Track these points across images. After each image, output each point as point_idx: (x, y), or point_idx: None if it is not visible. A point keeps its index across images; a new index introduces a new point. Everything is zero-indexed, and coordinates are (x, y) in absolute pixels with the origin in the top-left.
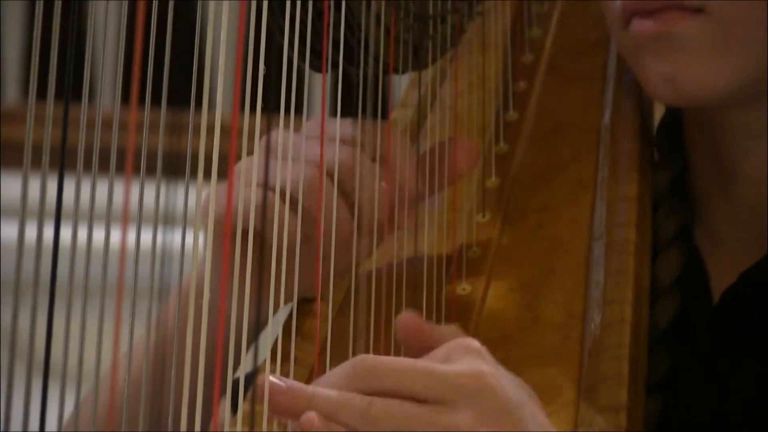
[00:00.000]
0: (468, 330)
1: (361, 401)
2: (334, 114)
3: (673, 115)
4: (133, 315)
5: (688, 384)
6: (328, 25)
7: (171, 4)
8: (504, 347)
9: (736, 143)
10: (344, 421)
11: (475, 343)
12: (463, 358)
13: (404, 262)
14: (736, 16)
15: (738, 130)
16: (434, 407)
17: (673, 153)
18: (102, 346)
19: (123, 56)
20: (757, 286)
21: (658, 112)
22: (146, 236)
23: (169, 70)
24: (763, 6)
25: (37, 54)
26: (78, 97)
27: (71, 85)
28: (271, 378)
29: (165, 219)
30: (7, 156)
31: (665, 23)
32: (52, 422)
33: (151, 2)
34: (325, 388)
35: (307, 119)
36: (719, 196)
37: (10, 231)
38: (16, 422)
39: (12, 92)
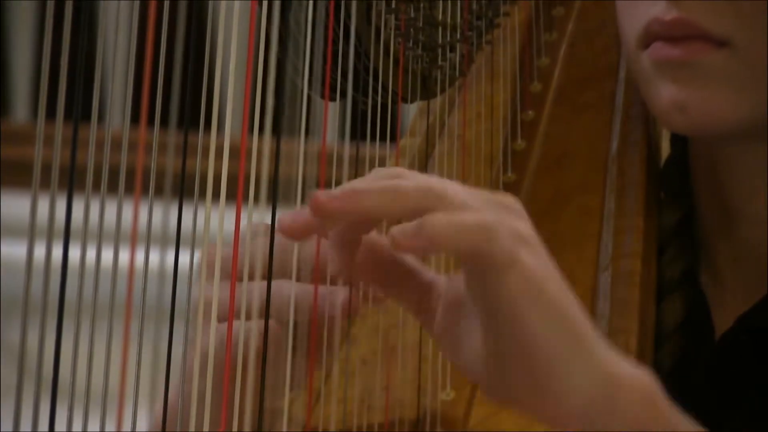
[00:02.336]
0: None
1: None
2: (343, 137)
3: (680, 154)
4: (141, 334)
5: None
6: (334, 53)
7: (181, 27)
8: None
9: (741, 183)
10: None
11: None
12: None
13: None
14: (762, 52)
15: (744, 168)
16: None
17: (680, 194)
18: (110, 365)
19: (132, 77)
20: (754, 331)
21: (664, 144)
22: (154, 256)
23: (180, 93)
24: None
25: (47, 75)
26: (87, 117)
27: (80, 105)
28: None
29: (169, 239)
30: (16, 175)
31: (690, 53)
32: None
33: (160, 26)
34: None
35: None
36: (724, 237)
37: (19, 250)
38: None
39: (22, 112)
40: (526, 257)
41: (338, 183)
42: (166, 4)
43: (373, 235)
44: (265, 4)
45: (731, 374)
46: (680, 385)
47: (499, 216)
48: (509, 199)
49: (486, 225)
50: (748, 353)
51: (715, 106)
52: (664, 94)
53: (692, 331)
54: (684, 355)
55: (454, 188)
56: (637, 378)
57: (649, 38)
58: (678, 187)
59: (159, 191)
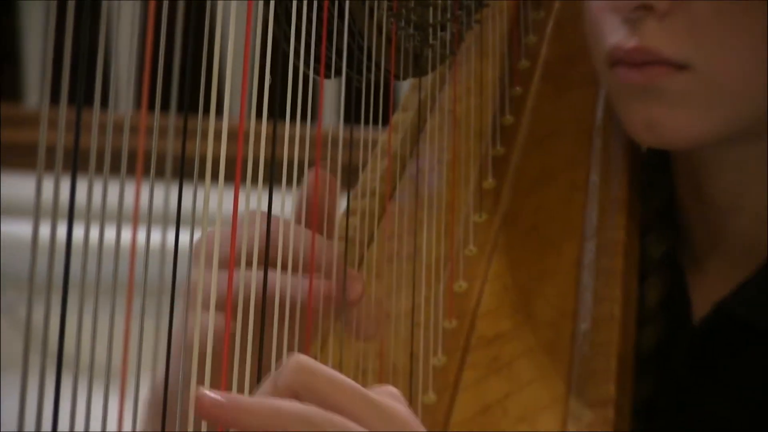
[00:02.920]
0: (464, 326)
1: (299, 411)
2: (339, 117)
3: None
4: (142, 311)
5: (667, 409)
6: (330, 32)
7: (180, 12)
8: (498, 343)
9: (720, 178)
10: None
11: (396, 390)
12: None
13: (404, 260)
14: (723, 72)
15: (723, 166)
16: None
17: (661, 181)
18: (113, 341)
19: (136, 64)
20: (731, 316)
21: None
22: (155, 236)
23: (180, 77)
24: (756, 56)
25: (50, 61)
26: (91, 101)
27: (84, 91)
28: (207, 392)
29: (169, 219)
30: (29, 157)
31: (651, 78)
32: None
33: (161, 13)
34: (263, 398)
35: (313, 123)
36: (703, 225)
37: (25, 229)
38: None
39: (33, 98)
40: None
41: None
42: None
43: None
44: None
45: (709, 358)
46: (663, 365)
47: None
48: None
49: None
50: (725, 338)
51: (682, 124)
52: (633, 113)
53: (672, 313)
54: (665, 336)
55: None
56: None
57: (613, 60)
58: (660, 174)
59: (160, 173)
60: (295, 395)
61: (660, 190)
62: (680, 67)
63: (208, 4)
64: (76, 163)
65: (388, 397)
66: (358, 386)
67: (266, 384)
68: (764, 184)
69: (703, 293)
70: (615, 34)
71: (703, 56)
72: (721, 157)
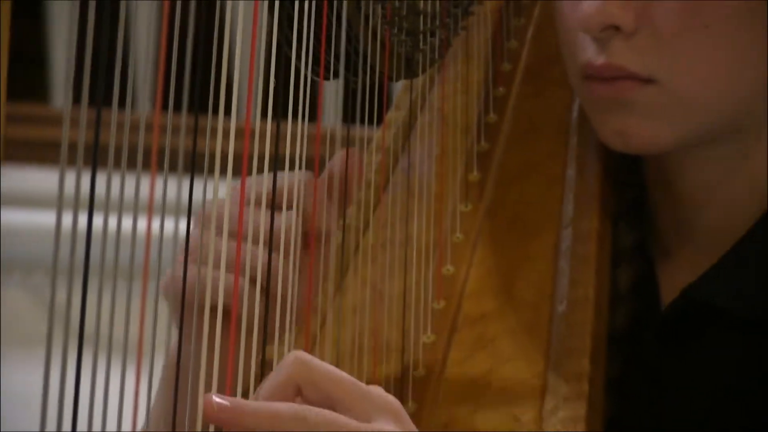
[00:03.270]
0: (451, 306)
1: (296, 412)
2: (337, 115)
3: None
4: (157, 293)
5: (637, 386)
6: (328, 37)
7: (191, 21)
8: (483, 322)
9: (687, 177)
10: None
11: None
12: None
13: (396, 246)
14: (686, 84)
15: (689, 163)
16: (360, 422)
17: (632, 176)
18: (130, 320)
19: (151, 68)
20: (696, 302)
21: None
22: (168, 224)
23: (191, 80)
24: (718, 68)
25: (73, 65)
26: (110, 102)
27: (104, 92)
28: (214, 397)
29: (181, 209)
30: (49, 154)
31: (620, 91)
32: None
33: (173, 22)
34: (263, 402)
35: (313, 121)
36: (671, 217)
37: (50, 219)
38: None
39: (60, 98)
40: None
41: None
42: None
43: None
44: None
45: (676, 339)
46: (632, 346)
47: None
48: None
49: None
50: (691, 321)
51: (649, 133)
52: (604, 123)
53: (642, 297)
54: (635, 319)
55: (330, 427)
56: None
57: (585, 74)
58: (631, 167)
59: (173, 168)
60: (297, 388)
61: (631, 183)
62: (646, 81)
63: (217, 13)
64: (96, 159)
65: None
66: (352, 379)
67: (270, 378)
68: (730, 180)
69: (671, 280)
70: (586, 52)
71: (667, 71)
72: (690, 157)
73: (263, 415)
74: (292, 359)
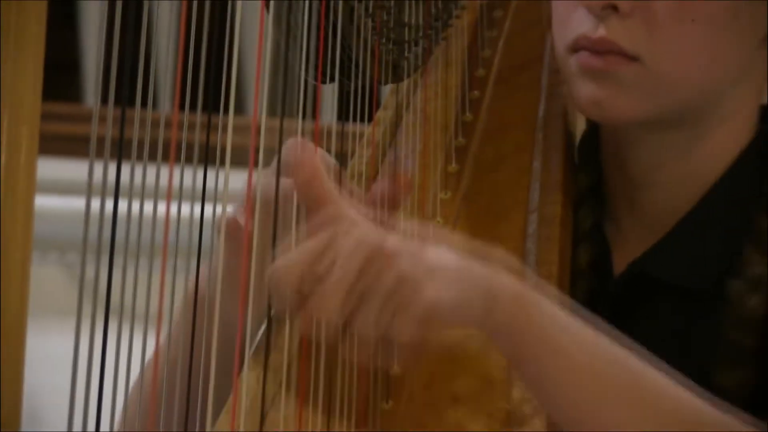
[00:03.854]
0: None
1: None
2: (333, 114)
3: (592, 131)
4: (174, 270)
5: None
6: (325, 46)
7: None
8: None
9: (641, 159)
10: None
11: None
12: None
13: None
14: (667, 66)
15: (645, 148)
16: None
17: (591, 163)
18: (150, 293)
19: (170, 73)
20: (642, 274)
21: (580, 122)
22: (185, 209)
23: (204, 83)
24: (702, 62)
25: (102, 70)
26: (134, 102)
27: (129, 93)
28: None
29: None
30: (82, 147)
31: (608, 64)
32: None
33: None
34: None
35: (312, 119)
36: (625, 198)
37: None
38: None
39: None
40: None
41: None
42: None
43: None
44: (272, 8)
45: (626, 305)
46: (592, 312)
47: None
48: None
49: None
50: (637, 289)
51: (623, 105)
52: (585, 91)
53: (599, 271)
54: (593, 290)
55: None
56: (510, 285)
57: (577, 47)
58: (590, 157)
59: (189, 159)
60: None
61: (590, 172)
62: (632, 59)
63: (228, 25)
64: (121, 151)
65: None
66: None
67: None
68: (677, 163)
69: (623, 255)
70: (582, 26)
71: (652, 53)
72: (643, 140)
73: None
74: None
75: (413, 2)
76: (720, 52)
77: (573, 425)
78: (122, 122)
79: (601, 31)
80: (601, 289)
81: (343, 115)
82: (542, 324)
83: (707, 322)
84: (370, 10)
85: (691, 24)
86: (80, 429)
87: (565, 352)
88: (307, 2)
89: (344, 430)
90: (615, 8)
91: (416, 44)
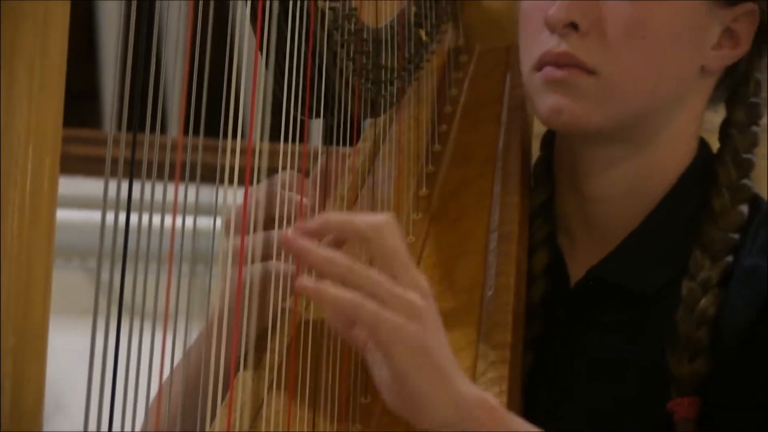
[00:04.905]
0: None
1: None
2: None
3: (546, 155)
4: (179, 274)
5: (551, 346)
6: (312, 86)
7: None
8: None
9: (590, 172)
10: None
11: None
12: None
13: None
14: (621, 79)
15: (593, 162)
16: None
17: (545, 183)
18: (158, 295)
19: (177, 102)
20: (598, 280)
21: (535, 146)
22: (189, 220)
23: (206, 112)
24: (651, 76)
25: (117, 100)
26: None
27: (138, 120)
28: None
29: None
30: (100, 167)
31: (569, 76)
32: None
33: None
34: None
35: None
36: (577, 212)
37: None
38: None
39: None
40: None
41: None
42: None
43: None
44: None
45: (582, 307)
46: (547, 313)
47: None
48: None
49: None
50: (593, 293)
51: (581, 113)
52: (548, 102)
53: (554, 277)
54: (547, 294)
55: (370, 281)
56: (481, 397)
57: (541, 63)
58: (544, 177)
59: (192, 177)
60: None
61: (543, 191)
62: (590, 72)
63: (226, 64)
64: (132, 170)
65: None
66: (405, 255)
67: (351, 215)
68: (626, 180)
69: (578, 264)
70: (546, 45)
71: (607, 66)
72: (595, 157)
73: (318, 256)
74: (380, 222)
75: (389, 47)
76: (665, 70)
77: None
78: (134, 145)
79: (562, 47)
80: (557, 293)
81: (327, 146)
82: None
83: (659, 321)
84: (352, 54)
85: (641, 40)
86: (96, 413)
87: None
88: (296, 48)
89: (329, 420)
90: (575, 27)
91: (392, 84)
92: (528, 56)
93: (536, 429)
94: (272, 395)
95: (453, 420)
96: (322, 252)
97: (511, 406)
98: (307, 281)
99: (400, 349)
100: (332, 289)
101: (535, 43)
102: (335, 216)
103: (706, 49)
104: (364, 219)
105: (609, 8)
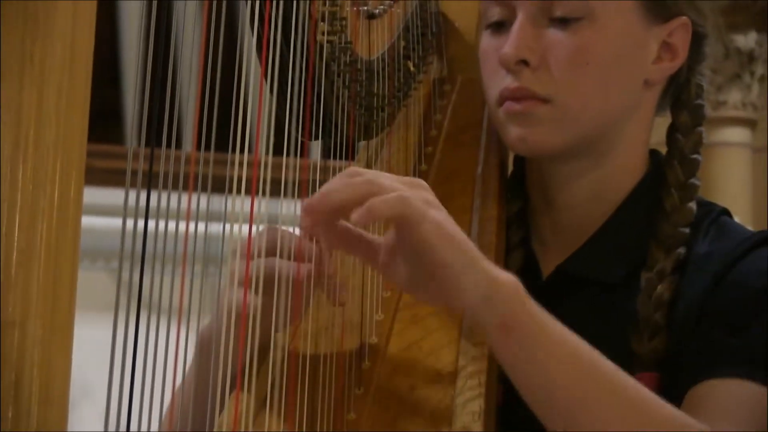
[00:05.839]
0: (395, 295)
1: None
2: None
3: (519, 169)
4: (192, 275)
5: None
6: (311, 111)
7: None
8: (416, 306)
9: (557, 185)
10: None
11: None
12: None
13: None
14: (573, 104)
15: (559, 176)
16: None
17: (519, 193)
18: (173, 293)
19: (190, 121)
20: (566, 274)
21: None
22: (200, 227)
23: (217, 129)
24: (599, 96)
25: (137, 120)
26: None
27: (154, 137)
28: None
29: (212, 217)
30: (122, 179)
31: (526, 107)
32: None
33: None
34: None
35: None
36: (547, 218)
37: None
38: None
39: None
40: (432, 213)
41: (315, 183)
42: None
43: (342, 222)
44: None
45: (553, 299)
46: None
47: (413, 192)
48: (421, 181)
49: (403, 198)
50: (562, 287)
51: (542, 138)
52: (512, 132)
53: (527, 274)
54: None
55: (385, 178)
56: (509, 280)
57: (502, 99)
58: (517, 189)
59: (204, 188)
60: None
61: (517, 200)
62: (544, 101)
63: (234, 91)
64: (150, 182)
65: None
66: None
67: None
68: (588, 190)
69: (549, 262)
70: (504, 81)
71: (560, 93)
72: (561, 172)
73: (341, 185)
74: (350, 171)
75: (380, 77)
76: (611, 89)
77: (561, 420)
78: (151, 159)
79: (517, 83)
80: (532, 288)
81: (326, 161)
82: (537, 317)
83: (622, 307)
84: (347, 83)
85: (586, 67)
86: (118, 398)
87: (556, 342)
88: (298, 76)
89: (326, 410)
90: (526, 63)
91: (383, 110)
92: (490, 93)
93: (560, 325)
94: (275, 390)
95: (486, 295)
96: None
97: (488, 395)
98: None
99: (430, 226)
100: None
101: (495, 80)
102: (315, 199)
103: (647, 64)
104: (340, 181)
105: (553, 41)
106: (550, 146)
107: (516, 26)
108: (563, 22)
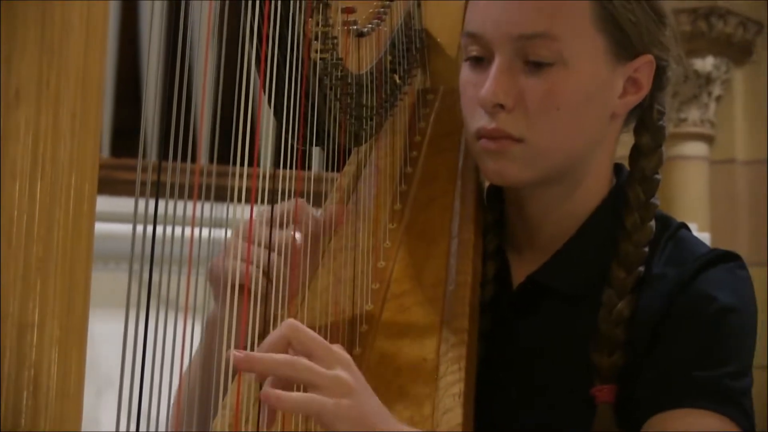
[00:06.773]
0: (383, 287)
1: (287, 359)
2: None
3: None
4: (197, 276)
5: (496, 339)
6: (305, 121)
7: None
8: (403, 297)
9: (533, 205)
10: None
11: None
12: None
13: (349, 249)
14: (544, 143)
15: (535, 198)
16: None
17: (495, 205)
18: (179, 292)
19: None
20: (536, 283)
21: None
22: (205, 232)
23: (219, 144)
24: (569, 136)
25: (155, 137)
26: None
27: (162, 152)
28: (234, 351)
29: (215, 222)
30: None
31: (501, 146)
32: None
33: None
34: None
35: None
36: (522, 229)
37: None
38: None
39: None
40: (344, 412)
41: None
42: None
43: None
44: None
45: (523, 306)
46: (494, 312)
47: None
48: (348, 360)
49: (318, 402)
50: (532, 295)
51: (515, 173)
52: (488, 165)
53: (501, 281)
54: (496, 295)
55: (308, 372)
56: None
57: (479, 135)
58: (494, 201)
59: (207, 197)
60: (287, 344)
61: (494, 209)
62: (518, 140)
63: (235, 105)
64: (158, 191)
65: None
66: (322, 339)
67: (270, 336)
68: (559, 208)
69: (522, 271)
70: (481, 120)
71: (532, 134)
72: (534, 194)
73: (267, 362)
74: (286, 324)
75: (369, 89)
76: (580, 127)
77: None
78: (159, 170)
79: (493, 124)
80: (503, 295)
81: (321, 168)
82: None
83: (586, 318)
84: (338, 95)
85: (557, 111)
86: (129, 386)
87: None
88: (293, 90)
89: None
90: (502, 106)
91: (371, 119)
92: (469, 125)
93: None
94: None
95: None
96: (267, 358)
97: (468, 378)
98: (270, 392)
99: (344, 424)
100: (288, 396)
101: (474, 116)
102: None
103: (614, 99)
104: (279, 333)
105: (527, 86)
106: (522, 179)
107: (494, 71)
108: (537, 66)
